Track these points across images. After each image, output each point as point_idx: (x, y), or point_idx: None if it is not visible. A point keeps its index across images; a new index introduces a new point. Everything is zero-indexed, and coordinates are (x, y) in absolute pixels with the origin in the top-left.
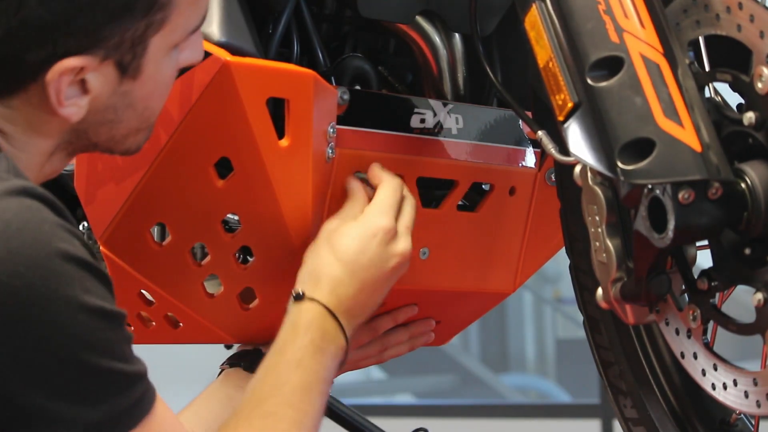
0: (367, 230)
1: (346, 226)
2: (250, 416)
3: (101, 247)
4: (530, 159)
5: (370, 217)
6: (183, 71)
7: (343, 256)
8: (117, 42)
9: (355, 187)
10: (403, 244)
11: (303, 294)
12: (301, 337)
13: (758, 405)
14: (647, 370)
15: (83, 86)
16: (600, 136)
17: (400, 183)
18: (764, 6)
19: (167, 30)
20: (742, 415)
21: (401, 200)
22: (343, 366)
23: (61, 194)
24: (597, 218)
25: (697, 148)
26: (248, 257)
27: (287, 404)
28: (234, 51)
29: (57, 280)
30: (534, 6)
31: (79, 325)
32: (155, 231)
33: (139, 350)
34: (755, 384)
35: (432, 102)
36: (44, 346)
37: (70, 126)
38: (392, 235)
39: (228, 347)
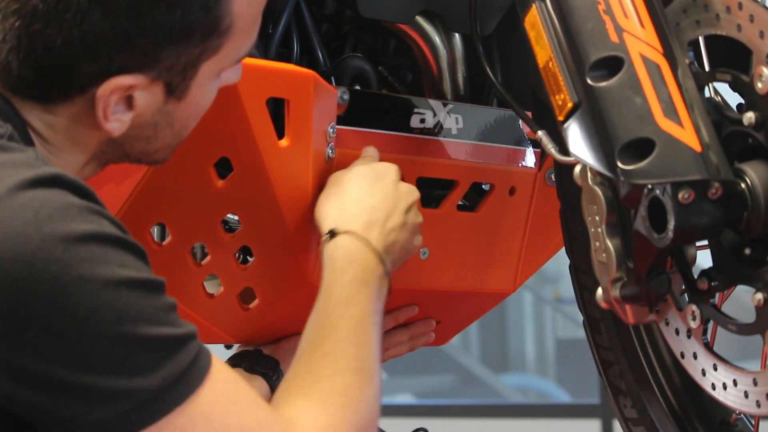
0: (375, 169)
1: (354, 168)
2: (309, 360)
3: None
4: (530, 159)
5: (376, 163)
6: None
7: (362, 191)
8: (171, 64)
9: (368, 149)
10: (409, 186)
11: (335, 230)
12: (343, 274)
13: (758, 405)
14: (647, 370)
15: (129, 103)
16: (600, 136)
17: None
18: (764, 6)
19: (220, 56)
20: (742, 415)
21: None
22: (389, 294)
23: None
24: (597, 218)
25: (697, 148)
26: (248, 257)
27: (343, 340)
28: None
29: (92, 259)
30: (534, 6)
31: (121, 299)
32: (155, 231)
33: None
34: (755, 384)
35: (432, 102)
36: (89, 326)
37: (108, 138)
38: (399, 177)
39: (228, 347)
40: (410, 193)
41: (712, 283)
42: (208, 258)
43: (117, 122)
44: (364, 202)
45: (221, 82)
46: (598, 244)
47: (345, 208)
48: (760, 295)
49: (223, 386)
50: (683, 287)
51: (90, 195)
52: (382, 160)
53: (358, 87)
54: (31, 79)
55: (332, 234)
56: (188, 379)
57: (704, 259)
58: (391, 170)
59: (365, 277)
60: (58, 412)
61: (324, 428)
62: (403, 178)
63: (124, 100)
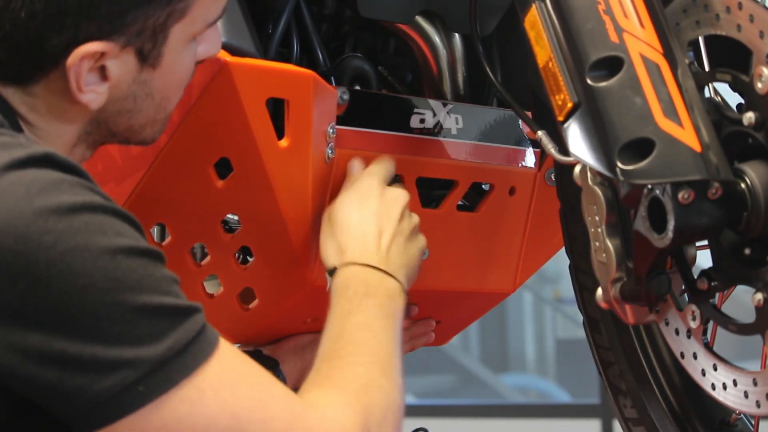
0: (358, 190)
1: (340, 197)
2: (320, 368)
3: None
4: (530, 159)
5: (359, 181)
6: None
7: (350, 220)
8: (139, 29)
9: (352, 165)
10: (396, 191)
11: (335, 267)
12: (344, 293)
13: (758, 405)
14: (647, 370)
15: (103, 73)
16: (600, 136)
17: (390, 162)
18: (764, 6)
19: (188, 20)
20: (741, 415)
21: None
22: (407, 308)
23: None
24: (597, 218)
25: (697, 148)
26: (248, 257)
27: (351, 351)
28: (234, 51)
29: (87, 229)
30: (534, 6)
31: (120, 267)
32: (155, 231)
33: None
34: (755, 384)
35: (432, 102)
36: (88, 294)
37: (91, 115)
38: (384, 186)
39: None
40: (398, 198)
41: (712, 283)
42: (208, 258)
43: (92, 93)
44: (354, 230)
45: (200, 55)
46: (598, 244)
47: (339, 242)
48: (760, 295)
49: (233, 361)
50: (683, 287)
51: (82, 173)
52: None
53: (357, 87)
54: (4, 58)
55: (332, 272)
56: (195, 350)
57: (704, 259)
58: (372, 185)
59: (367, 291)
60: (62, 386)
61: (340, 406)
62: (401, 180)
63: (98, 71)
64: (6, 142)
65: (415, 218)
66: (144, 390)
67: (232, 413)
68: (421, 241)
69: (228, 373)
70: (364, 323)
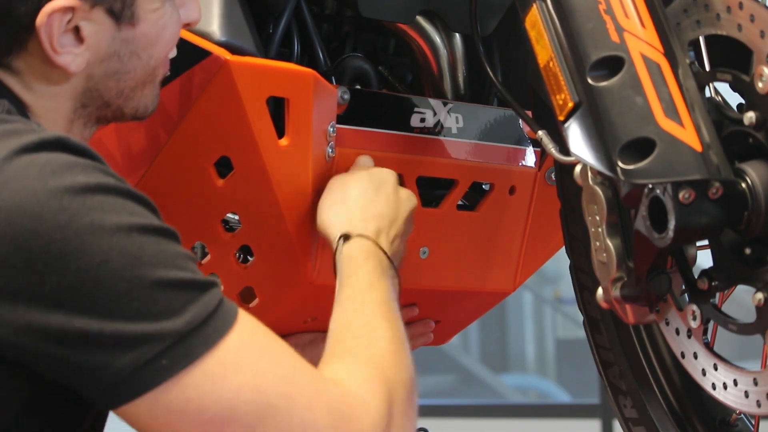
0: (376, 176)
1: (354, 173)
2: (343, 339)
3: None
4: (530, 158)
5: (376, 169)
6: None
7: (365, 195)
8: None
9: (361, 159)
10: (408, 192)
11: (349, 234)
12: (365, 265)
13: (758, 405)
14: (647, 370)
15: (78, 35)
16: (600, 135)
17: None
18: (764, 6)
19: None
20: (742, 415)
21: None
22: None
23: None
24: (597, 218)
25: (698, 147)
26: (248, 256)
27: (373, 317)
28: (234, 50)
29: (101, 208)
30: (534, 6)
31: (134, 244)
32: None
33: None
34: (755, 384)
35: (432, 101)
36: (105, 271)
37: (81, 84)
38: (397, 183)
39: None
40: (409, 199)
41: (713, 283)
42: (208, 257)
43: (69, 54)
44: (369, 209)
45: (182, 18)
46: (598, 243)
47: (352, 214)
48: (760, 295)
49: (254, 334)
50: (683, 287)
51: (95, 156)
52: (382, 160)
53: (358, 86)
54: None
55: (346, 237)
56: (216, 323)
57: (704, 259)
58: (390, 177)
59: (383, 271)
60: (85, 364)
61: (362, 381)
62: (401, 180)
63: (73, 33)
64: (18, 128)
65: (412, 227)
66: (167, 364)
67: (255, 387)
68: (405, 250)
69: (250, 346)
70: (384, 299)
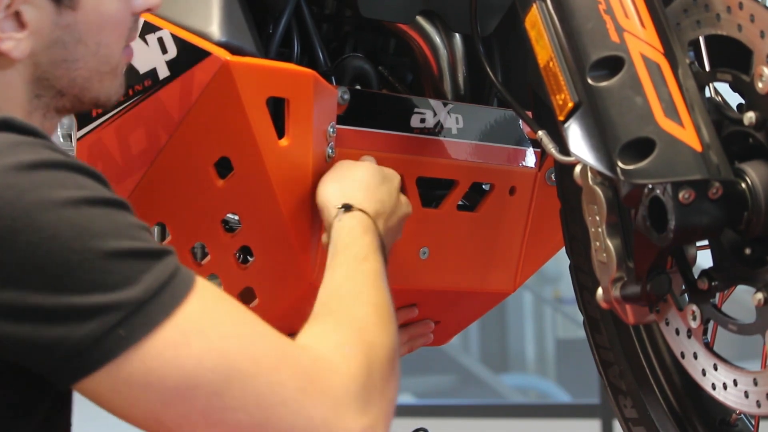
0: (382, 171)
1: (364, 162)
2: (328, 302)
3: None
4: (530, 159)
5: (382, 167)
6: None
7: (370, 180)
8: None
9: (366, 157)
10: (407, 199)
11: (351, 205)
12: (362, 237)
13: (758, 405)
14: (647, 370)
15: (19, 19)
16: (600, 135)
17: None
18: (764, 6)
19: None
20: (742, 415)
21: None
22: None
23: None
24: (597, 218)
25: (698, 147)
26: (248, 257)
27: (362, 286)
28: (234, 50)
29: (48, 184)
30: (534, 6)
31: (83, 216)
32: (155, 231)
33: None
34: (755, 384)
35: (432, 102)
36: (55, 245)
37: (31, 74)
38: (400, 187)
39: None
40: (407, 205)
41: (713, 283)
42: (208, 258)
43: (10, 40)
44: (372, 192)
45: (137, 6)
46: (598, 244)
47: (356, 191)
48: (760, 295)
49: (213, 299)
50: (683, 287)
51: (41, 134)
52: (382, 160)
53: (358, 87)
54: None
55: (348, 208)
56: (173, 290)
57: (704, 259)
58: (396, 177)
59: (378, 246)
60: (42, 340)
61: (336, 343)
62: (402, 183)
63: (13, 18)
64: None
65: (401, 234)
66: (125, 334)
67: (218, 351)
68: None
69: (210, 312)
70: (375, 271)
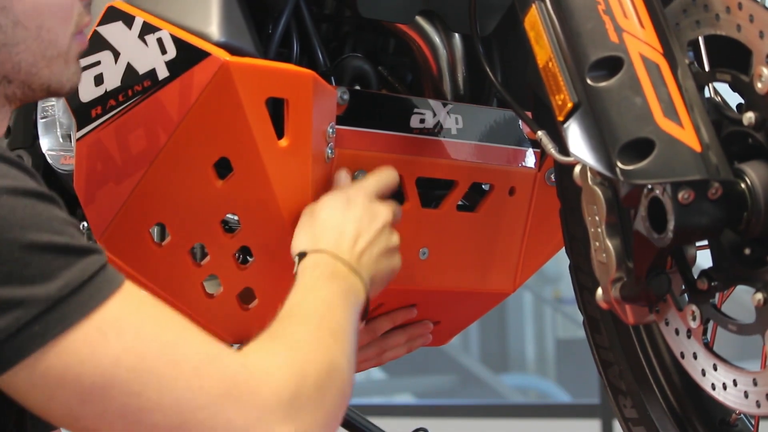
0: (346, 195)
1: (326, 197)
2: (275, 330)
3: None
4: (530, 159)
5: (349, 188)
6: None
7: (331, 218)
8: None
9: (339, 176)
10: (384, 206)
11: (304, 251)
12: (311, 272)
13: (758, 405)
14: (647, 370)
15: None
16: (600, 136)
17: (391, 173)
18: (764, 6)
19: None
20: (742, 415)
21: (390, 185)
22: (367, 308)
23: (60, 194)
24: (597, 218)
25: (697, 148)
26: (248, 257)
27: (305, 315)
28: (233, 51)
29: None
30: (533, 6)
31: (5, 206)
32: (155, 231)
33: None
34: (755, 384)
35: (432, 102)
36: None
37: None
38: (371, 197)
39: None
40: (383, 213)
41: (712, 283)
42: (208, 258)
43: None
44: (333, 227)
45: None
46: (598, 244)
47: (315, 234)
48: (760, 295)
49: (138, 302)
50: (683, 287)
51: None
52: (381, 160)
53: (357, 87)
54: None
55: (302, 255)
56: (92, 290)
57: (704, 259)
58: (360, 192)
59: (332, 274)
60: None
61: (268, 354)
62: (401, 180)
63: None
64: None
65: (395, 238)
66: (39, 330)
67: (137, 353)
68: (396, 261)
69: (132, 315)
70: (324, 299)
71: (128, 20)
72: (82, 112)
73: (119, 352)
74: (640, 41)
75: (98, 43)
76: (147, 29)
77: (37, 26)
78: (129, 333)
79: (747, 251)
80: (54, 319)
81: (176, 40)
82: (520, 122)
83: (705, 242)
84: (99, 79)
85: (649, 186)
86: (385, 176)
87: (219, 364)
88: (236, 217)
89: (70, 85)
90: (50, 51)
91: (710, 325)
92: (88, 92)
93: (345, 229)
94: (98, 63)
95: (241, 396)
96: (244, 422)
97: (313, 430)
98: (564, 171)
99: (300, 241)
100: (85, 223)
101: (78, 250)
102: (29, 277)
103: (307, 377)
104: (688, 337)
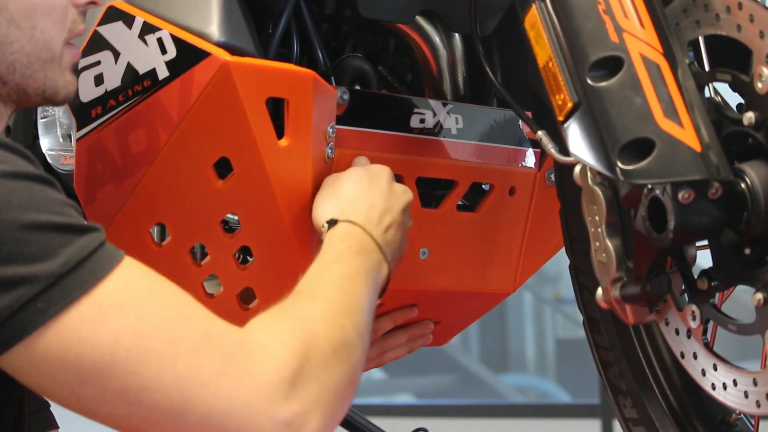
0: (370, 171)
1: (350, 170)
2: (286, 305)
3: None
4: (530, 159)
5: (371, 166)
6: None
7: (358, 189)
8: None
9: (359, 159)
10: (403, 187)
11: (335, 219)
12: (339, 243)
13: (758, 405)
14: (647, 370)
15: None
16: (600, 136)
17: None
18: (764, 6)
19: None
20: (742, 415)
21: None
22: (387, 285)
23: None
24: (597, 218)
25: (697, 148)
26: (248, 257)
27: (323, 286)
28: (233, 51)
29: None
30: (534, 6)
31: (3, 188)
32: (155, 231)
33: None
34: (755, 384)
35: (432, 102)
36: None
37: None
38: (392, 178)
39: None
40: (405, 193)
41: (712, 283)
42: (208, 258)
43: None
44: (361, 199)
45: None
46: (598, 244)
47: (343, 205)
48: (760, 295)
49: (139, 279)
50: (683, 287)
51: None
52: (381, 160)
53: (357, 87)
54: None
55: (332, 223)
56: (92, 266)
57: (704, 259)
58: (385, 171)
59: (360, 249)
60: None
61: (274, 331)
62: (401, 180)
63: None
64: None
65: (410, 221)
66: (42, 306)
67: (136, 331)
68: (405, 244)
69: (132, 291)
70: (347, 273)
71: (128, 20)
72: (82, 112)
73: (118, 330)
74: (640, 41)
75: (98, 43)
76: (147, 29)
77: (31, 26)
78: (127, 310)
79: (747, 251)
80: (56, 296)
81: (176, 40)
82: (520, 122)
83: (705, 242)
84: (99, 79)
85: (649, 186)
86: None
87: (219, 341)
88: (236, 217)
89: (65, 92)
90: (44, 53)
91: (710, 325)
92: (88, 92)
93: (374, 202)
94: (98, 63)
95: (241, 373)
96: (244, 400)
97: (319, 408)
98: (564, 171)
99: (327, 209)
100: None
101: (77, 229)
102: (30, 256)
103: (311, 354)
104: (688, 337)
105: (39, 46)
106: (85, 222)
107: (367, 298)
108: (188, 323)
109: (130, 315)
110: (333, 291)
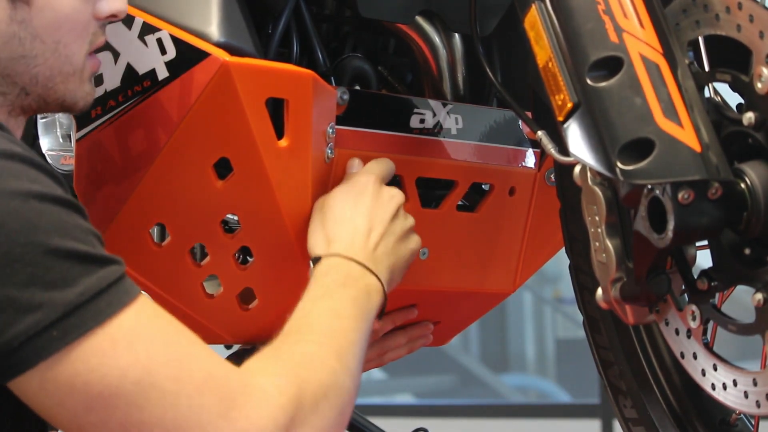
0: (354, 186)
1: (336, 190)
2: (273, 342)
3: None
4: (530, 159)
5: (356, 177)
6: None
7: (342, 213)
8: None
9: (351, 164)
10: (391, 191)
11: (319, 256)
12: (322, 279)
13: (758, 405)
14: (647, 370)
15: None
16: (599, 136)
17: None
18: (764, 6)
19: None
20: (741, 415)
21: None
22: (383, 312)
23: None
24: (597, 218)
25: (697, 148)
26: (248, 257)
27: (312, 324)
28: (233, 51)
29: (1, 172)
30: (533, 6)
31: (32, 210)
32: (155, 231)
33: None
34: (755, 384)
35: (431, 102)
36: (0, 236)
37: None
38: (380, 185)
39: (228, 347)
40: (392, 198)
41: (712, 283)
42: (208, 258)
43: None
44: (345, 224)
45: (101, 11)
46: (597, 244)
47: (328, 235)
48: (760, 295)
49: (152, 316)
50: (683, 287)
51: (3, 127)
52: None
53: (357, 87)
54: None
55: (315, 261)
56: (109, 298)
57: (704, 259)
58: (369, 182)
59: (345, 280)
60: None
61: (270, 374)
62: (401, 181)
63: None
64: None
65: (410, 220)
66: (57, 334)
67: (144, 367)
68: (414, 242)
69: (144, 327)
70: (333, 309)
71: (128, 20)
72: (81, 113)
73: (127, 365)
74: (640, 41)
75: None
76: (147, 29)
77: (55, 41)
78: (138, 346)
79: (747, 251)
80: (72, 325)
81: (176, 41)
82: (520, 122)
83: (705, 242)
84: (99, 80)
85: (649, 186)
86: (385, 162)
87: (220, 382)
88: (236, 217)
89: (83, 103)
90: (66, 67)
91: (710, 325)
92: None
93: (357, 223)
94: None
95: (240, 417)
96: None
97: None
98: (564, 171)
99: (314, 243)
100: None
101: (98, 259)
102: (50, 282)
103: (304, 399)
104: (688, 337)
105: (62, 60)
106: (107, 253)
107: (356, 331)
108: (194, 363)
109: (140, 350)
110: (321, 332)
